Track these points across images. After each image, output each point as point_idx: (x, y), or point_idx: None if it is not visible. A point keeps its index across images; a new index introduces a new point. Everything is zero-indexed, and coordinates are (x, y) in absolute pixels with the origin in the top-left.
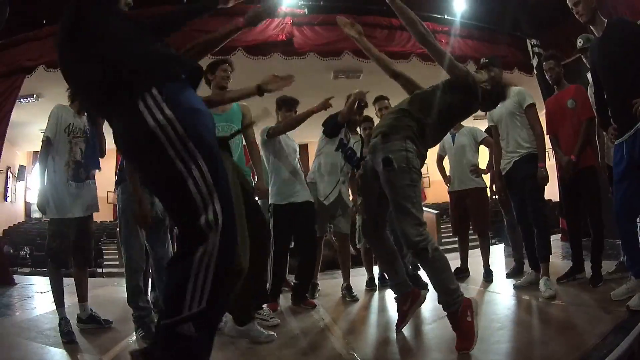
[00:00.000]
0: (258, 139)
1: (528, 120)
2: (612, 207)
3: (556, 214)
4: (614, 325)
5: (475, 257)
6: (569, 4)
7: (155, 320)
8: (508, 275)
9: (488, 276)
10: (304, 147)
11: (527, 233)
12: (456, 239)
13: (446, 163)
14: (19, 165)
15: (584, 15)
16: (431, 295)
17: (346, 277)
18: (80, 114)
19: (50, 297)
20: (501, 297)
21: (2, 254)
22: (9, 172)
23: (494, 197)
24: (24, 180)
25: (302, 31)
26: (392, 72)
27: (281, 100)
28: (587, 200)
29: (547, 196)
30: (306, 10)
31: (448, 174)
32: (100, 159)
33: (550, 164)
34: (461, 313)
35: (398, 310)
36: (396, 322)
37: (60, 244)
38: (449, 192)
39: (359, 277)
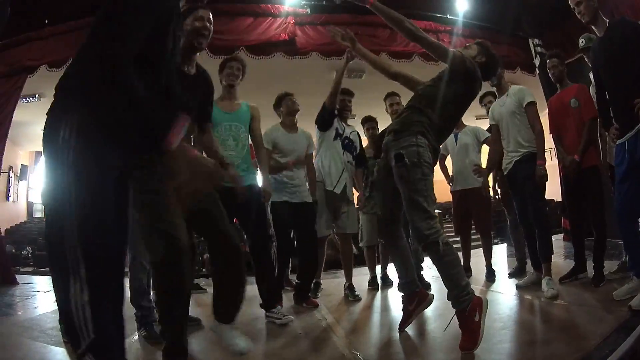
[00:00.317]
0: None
1: (528, 118)
2: (614, 207)
3: (558, 214)
4: (616, 325)
5: (477, 256)
6: (570, 4)
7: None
8: (510, 275)
9: (490, 276)
10: None
11: (529, 233)
12: (458, 238)
13: (449, 162)
14: (21, 164)
15: (585, 15)
16: (434, 294)
17: (349, 277)
18: None
19: (52, 296)
20: (503, 297)
21: (4, 254)
22: (11, 172)
23: (496, 196)
24: (26, 179)
25: (304, 31)
26: (391, 74)
27: (280, 97)
28: (590, 200)
29: (549, 196)
30: (309, 10)
31: (451, 173)
32: None
33: (552, 163)
34: (469, 312)
35: (403, 310)
36: (400, 321)
37: None
38: (451, 192)
39: (361, 277)
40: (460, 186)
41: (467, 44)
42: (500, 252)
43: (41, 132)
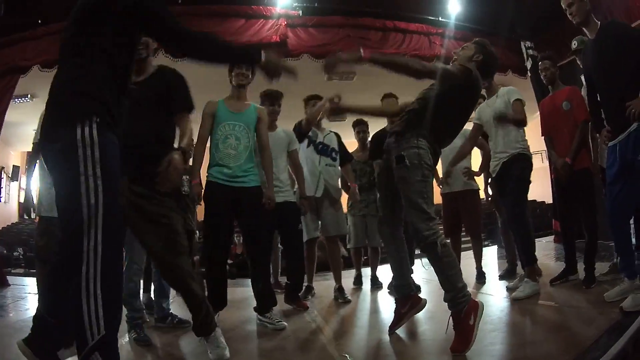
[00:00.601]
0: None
1: (513, 111)
2: (605, 209)
3: (549, 216)
4: (607, 327)
5: (467, 258)
6: (562, 5)
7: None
8: (501, 277)
9: (480, 278)
10: None
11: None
12: (448, 240)
13: (439, 165)
14: (13, 165)
15: (577, 16)
16: (424, 296)
17: (338, 279)
18: None
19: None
20: (494, 299)
21: None
22: (2, 173)
23: (488, 198)
24: (17, 180)
25: (296, 32)
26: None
27: (264, 94)
28: (582, 202)
29: (540, 198)
30: (300, 12)
31: (441, 175)
32: None
33: (543, 165)
34: (465, 314)
35: (395, 312)
36: (391, 322)
37: (47, 243)
38: (441, 194)
39: (351, 279)
40: (450, 188)
41: (464, 45)
42: (491, 254)
43: (34, 133)
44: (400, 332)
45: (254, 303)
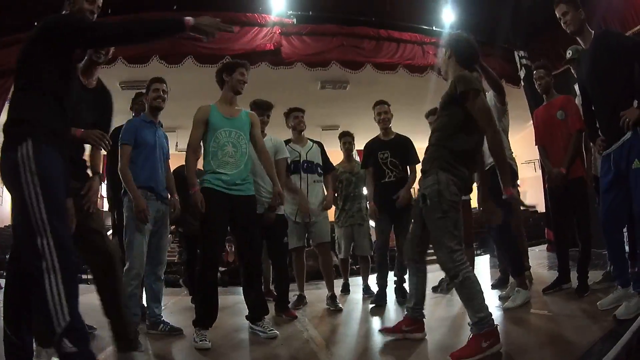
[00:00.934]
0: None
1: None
2: (599, 218)
3: (542, 225)
4: (601, 335)
5: None
6: (557, 14)
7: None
8: (493, 286)
9: None
10: None
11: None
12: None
13: None
14: None
15: (571, 25)
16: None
17: (330, 287)
18: None
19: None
20: None
21: None
22: None
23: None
24: None
25: (290, 41)
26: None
27: (254, 104)
28: (576, 211)
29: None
30: (295, 20)
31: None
32: None
33: (537, 174)
34: (482, 334)
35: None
36: (387, 326)
37: None
38: None
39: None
40: None
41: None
42: (484, 263)
43: None
44: (393, 341)
45: (246, 311)
